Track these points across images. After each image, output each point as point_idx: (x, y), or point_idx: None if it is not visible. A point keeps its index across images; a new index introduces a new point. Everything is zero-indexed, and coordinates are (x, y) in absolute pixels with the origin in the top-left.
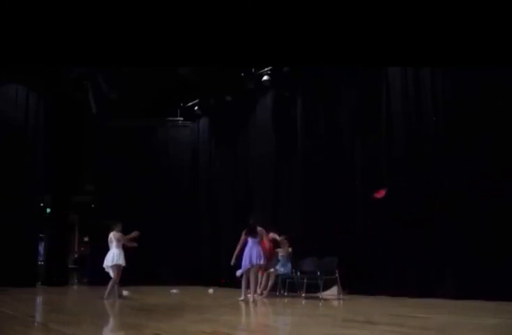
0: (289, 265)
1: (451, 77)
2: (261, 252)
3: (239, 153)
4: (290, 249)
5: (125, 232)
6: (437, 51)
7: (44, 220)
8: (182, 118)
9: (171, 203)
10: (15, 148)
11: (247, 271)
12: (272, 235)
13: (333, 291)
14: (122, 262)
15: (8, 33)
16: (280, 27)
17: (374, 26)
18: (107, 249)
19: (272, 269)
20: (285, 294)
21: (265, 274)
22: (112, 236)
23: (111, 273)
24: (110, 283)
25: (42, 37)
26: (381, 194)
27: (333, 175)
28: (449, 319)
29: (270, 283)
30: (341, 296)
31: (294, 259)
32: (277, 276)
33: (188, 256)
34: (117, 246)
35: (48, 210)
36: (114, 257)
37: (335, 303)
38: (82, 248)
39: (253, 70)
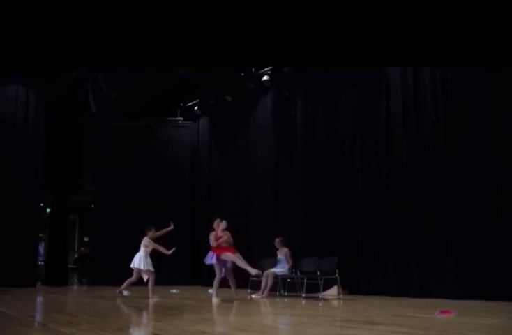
0: (287, 266)
1: (451, 77)
2: (210, 252)
3: (239, 153)
4: (287, 249)
5: (125, 231)
6: (437, 51)
7: (44, 220)
8: (182, 118)
9: (171, 203)
10: (15, 148)
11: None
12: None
13: (333, 291)
14: (151, 267)
15: (9, 33)
16: (280, 27)
17: (374, 27)
18: (107, 249)
19: (272, 269)
20: (285, 294)
21: (264, 274)
22: (143, 241)
23: (135, 274)
24: (149, 285)
25: (42, 37)
26: (448, 313)
27: (333, 175)
28: (449, 319)
29: (269, 283)
30: (341, 296)
31: (294, 259)
32: (276, 276)
33: (188, 256)
34: (144, 251)
35: (48, 210)
36: (140, 260)
37: (335, 303)
38: (82, 248)
39: (253, 70)
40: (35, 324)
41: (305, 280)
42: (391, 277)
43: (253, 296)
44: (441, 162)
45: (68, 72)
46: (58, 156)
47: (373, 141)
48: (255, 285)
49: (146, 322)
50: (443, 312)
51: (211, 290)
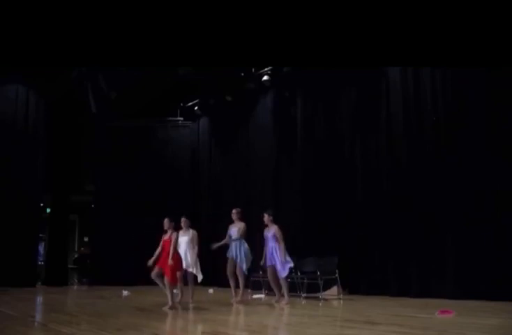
0: (243, 248)
1: (451, 77)
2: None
3: (239, 153)
4: (244, 224)
5: (125, 231)
6: (437, 51)
7: (44, 220)
8: (182, 118)
9: (171, 203)
10: (15, 148)
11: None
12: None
13: (333, 291)
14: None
15: (9, 33)
16: (280, 27)
17: (374, 27)
18: (107, 249)
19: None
20: None
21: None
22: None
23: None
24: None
25: (42, 37)
26: (448, 313)
27: (333, 175)
28: (449, 319)
29: (241, 282)
30: (341, 296)
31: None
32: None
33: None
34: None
35: (48, 210)
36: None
37: (335, 303)
38: (82, 248)
39: (253, 70)
40: (35, 324)
41: (305, 280)
42: (391, 277)
43: (254, 296)
44: (441, 162)
45: (68, 72)
46: (58, 156)
47: (373, 141)
48: (256, 285)
49: (146, 322)
50: (443, 312)
51: (211, 290)
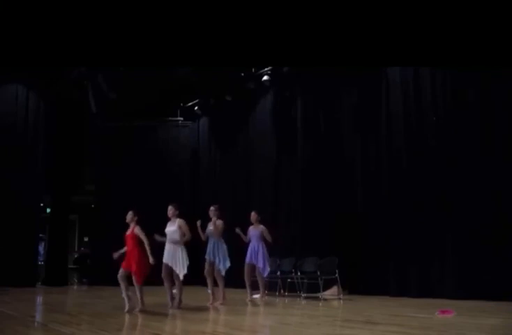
0: (222, 248)
1: (451, 77)
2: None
3: (239, 153)
4: (222, 222)
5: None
6: (437, 51)
7: (44, 220)
8: (182, 118)
9: (171, 203)
10: (15, 148)
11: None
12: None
13: (333, 291)
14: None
15: (9, 33)
16: (280, 27)
17: (374, 26)
18: (107, 249)
19: (216, 268)
20: (285, 294)
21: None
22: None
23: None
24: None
25: (42, 37)
26: (448, 313)
27: (333, 175)
28: (449, 319)
29: (221, 286)
30: (341, 296)
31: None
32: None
33: (188, 256)
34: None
35: (48, 210)
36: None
37: (335, 303)
38: (82, 248)
39: (253, 70)
40: (35, 324)
41: (305, 280)
42: (391, 277)
43: (254, 296)
44: (441, 162)
45: (68, 72)
46: (58, 156)
47: (373, 141)
48: (256, 286)
49: (146, 322)
50: (443, 312)
51: (209, 290)
